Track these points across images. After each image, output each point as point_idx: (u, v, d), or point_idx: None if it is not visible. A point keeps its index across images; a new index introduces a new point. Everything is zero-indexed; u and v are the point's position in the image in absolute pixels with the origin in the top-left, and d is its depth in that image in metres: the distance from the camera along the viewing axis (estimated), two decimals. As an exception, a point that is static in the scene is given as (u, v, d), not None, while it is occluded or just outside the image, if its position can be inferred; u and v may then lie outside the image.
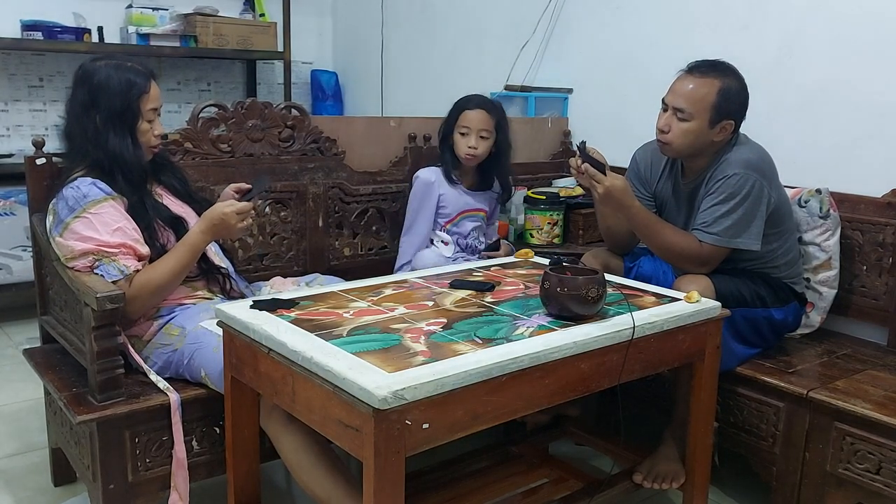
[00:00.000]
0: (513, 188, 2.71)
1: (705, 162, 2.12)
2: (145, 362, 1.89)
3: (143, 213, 1.90)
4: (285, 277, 2.28)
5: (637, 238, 2.20)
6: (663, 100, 2.10)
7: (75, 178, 1.87)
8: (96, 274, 1.81)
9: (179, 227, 1.96)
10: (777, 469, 2.01)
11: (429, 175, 2.56)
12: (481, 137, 2.48)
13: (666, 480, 1.99)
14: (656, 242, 2.10)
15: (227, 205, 1.91)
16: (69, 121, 1.94)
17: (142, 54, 3.78)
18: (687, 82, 2.05)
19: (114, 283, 1.79)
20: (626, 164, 2.37)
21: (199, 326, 1.88)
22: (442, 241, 2.56)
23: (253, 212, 1.96)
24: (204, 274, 2.01)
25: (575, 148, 2.16)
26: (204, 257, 1.99)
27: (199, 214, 1.97)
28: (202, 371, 1.84)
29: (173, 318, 1.93)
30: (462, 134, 2.49)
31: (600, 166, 1.99)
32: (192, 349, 1.85)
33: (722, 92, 2.02)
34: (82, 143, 1.90)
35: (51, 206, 1.90)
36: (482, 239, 2.63)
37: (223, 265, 2.08)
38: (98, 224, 1.82)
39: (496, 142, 2.52)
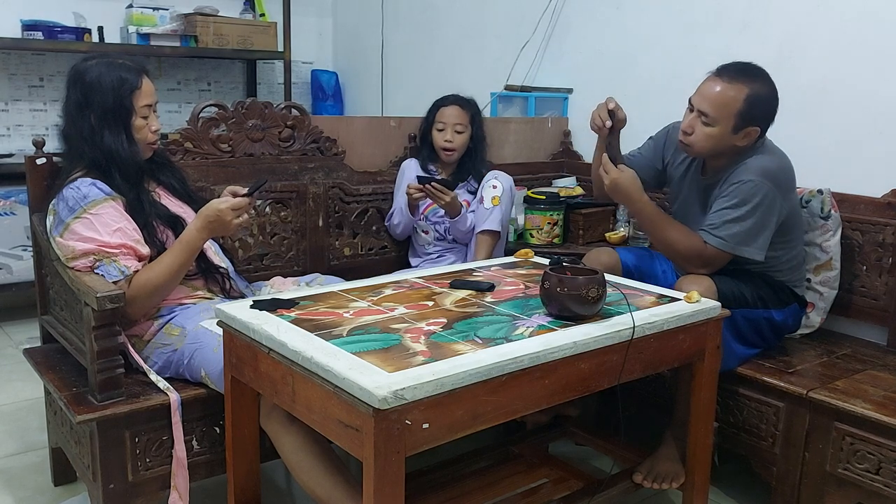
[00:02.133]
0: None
1: (726, 162, 2.09)
2: (145, 362, 1.89)
3: (141, 210, 1.90)
4: (285, 277, 2.28)
5: None
6: (690, 100, 2.07)
7: (75, 179, 1.87)
8: (97, 274, 1.81)
9: (178, 226, 1.96)
10: (777, 469, 2.01)
11: (405, 162, 2.73)
12: (457, 132, 2.63)
13: (666, 480, 1.99)
14: (660, 238, 2.09)
15: (223, 201, 1.89)
16: (65, 122, 1.94)
17: (142, 54, 3.78)
18: (714, 85, 2.00)
19: (114, 283, 1.79)
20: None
21: (200, 326, 1.87)
22: (423, 231, 2.68)
23: (253, 211, 1.95)
24: (203, 273, 2.01)
25: (605, 101, 2.12)
26: (203, 256, 1.99)
27: (198, 214, 1.97)
28: (202, 371, 1.83)
29: (173, 317, 1.93)
30: (439, 130, 2.64)
31: (613, 157, 1.97)
32: (193, 349, 1.85)
33: (749, 99, 1.98)
34: (78, 142, 1.90)
35: (51, 206, 1.89)
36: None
37: (222, 265, 2.08)
38: (98, 225, 1.82)
39: (472, 136, 2.67)
